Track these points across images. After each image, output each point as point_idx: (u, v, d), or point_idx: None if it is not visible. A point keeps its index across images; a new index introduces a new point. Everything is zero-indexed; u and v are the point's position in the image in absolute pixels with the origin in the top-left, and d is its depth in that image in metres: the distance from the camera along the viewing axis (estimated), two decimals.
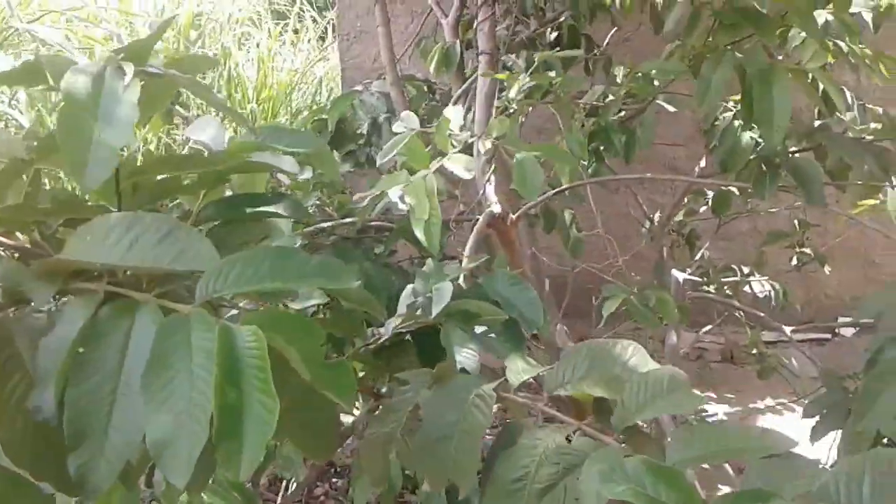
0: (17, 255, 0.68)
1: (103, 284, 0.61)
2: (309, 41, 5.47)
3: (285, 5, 5.84)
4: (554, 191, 1.60)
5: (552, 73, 1.34)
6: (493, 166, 1.55)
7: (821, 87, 1.54)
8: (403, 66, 2.40)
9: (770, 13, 1.32)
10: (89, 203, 0.71)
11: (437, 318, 0.88)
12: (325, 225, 1.56)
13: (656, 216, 2.13)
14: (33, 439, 0.59)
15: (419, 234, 1.00)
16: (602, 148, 1.59)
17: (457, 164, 1.03)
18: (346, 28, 3.05)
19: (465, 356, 0.87)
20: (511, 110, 1.34)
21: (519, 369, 0.82)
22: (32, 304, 0.62)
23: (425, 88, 2.31)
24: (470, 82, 1.65)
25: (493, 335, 0.94)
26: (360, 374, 0.95)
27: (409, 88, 2.24)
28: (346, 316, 0.90)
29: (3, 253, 0.66)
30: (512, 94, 1.30)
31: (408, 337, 0.93)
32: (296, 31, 5.57)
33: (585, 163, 1.57)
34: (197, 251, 0.58)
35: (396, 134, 2.21)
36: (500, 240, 1.74)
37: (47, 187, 0.82)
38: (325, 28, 5.67)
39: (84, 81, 0.58)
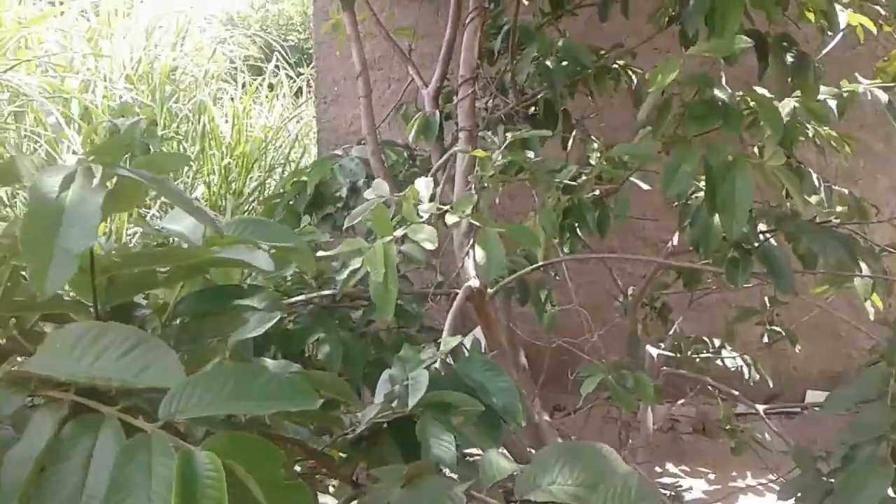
0: None
1: (70, 394, 0.60)
2: (284, 97, 5.52)
3: (260, 61, 5.89)
4: (531, 267, 1.61)
5: (529, 152, 1.36)
6: (471, 240, 1.56)
7: None
8: (382, 131, 2.42)
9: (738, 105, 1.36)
10: (66, 298, 0.69)
11: (414, 409, 0.87)
12: (301, 298, 1.55)
13: (630, 290, 2.14)
14: None
15: (375, 299, 1.00)
16: (576, 224, 1.60)
17: (420, 235, 1.03)
18: (324, 91, 3.08)
19: (442, 450, 0.85)
20: (485, 185, 1.35)
21: (493, 468, 0.81)
22: None
23: (405, 154, 2.33)
24: (449, 154, 1.67)
25: (471, 425, 0.93)
26: (339, 464, 0.93)
27: (389, 153, 2.26)
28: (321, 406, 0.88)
29: None
30: (485, 171, 1.32)
31: (385, 425, 0.91)
32: (270, 87, 5.61)
33: (558, 239, 1.58)
34: (162, 366, 0.58)
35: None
36: (477, 313, 1.74)
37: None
38: (300, 85, 5.73)
39: (52, 185, 0.58)
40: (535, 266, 1.53)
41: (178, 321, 0.78)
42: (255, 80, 5.35)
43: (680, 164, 1.28)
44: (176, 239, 0.80)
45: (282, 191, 2.38)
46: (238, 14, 10.30)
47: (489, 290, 1.69)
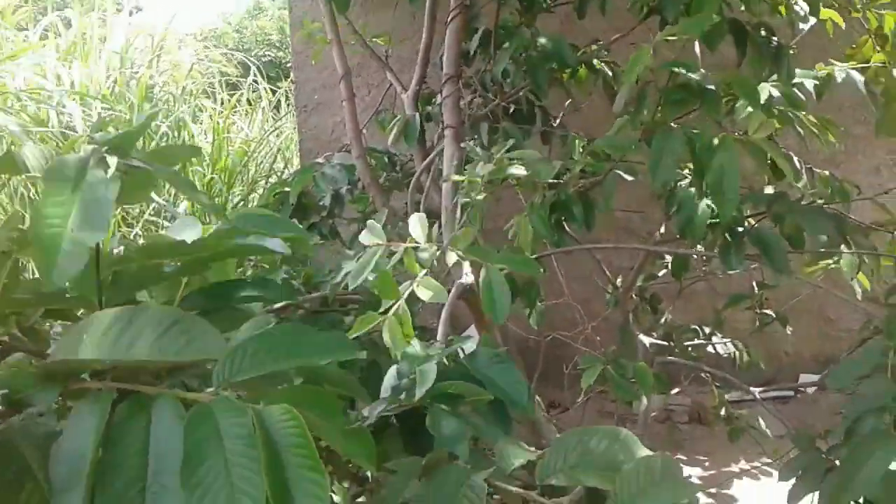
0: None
1: (108, 382, 0.59)
2: (263, 111, 5.51)
3: (238, 77, 5.88)
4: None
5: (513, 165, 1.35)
6: (460, 219, 1.56)
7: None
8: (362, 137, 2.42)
9: (715, 87, 1.37)
10: (69, 294, 0.68)
11: (422, 400, 0.87)
12: (291, 302, 1.54)
13: (619, 280, 2.15)
14: None
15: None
16: (563, 218, 1.61)
17: (427, 294, 1.03)
18: (304, 100, 3.08)
19: (455, 440, 0.85)
20: (478, 197, 1.35)
21: (510, 455, 0.81)
22: (33, 409, 0.60)
23: (386, 160, 2.33)
24: (434, 155, 1.67)
25: (479, 417, 0.93)
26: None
27: (370, 160, 2.26)
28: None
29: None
30: (475, 194, 1.32)
31: (393, 419, 0.91)
32: (249, 102, 5.60)
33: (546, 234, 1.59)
34: (205, 339, 0.58)
35: (356, 219, 2.20)
36: (470, 310, 1.74)
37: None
38: (279, 98, 5.72)
39: (65, 175, 0.57)
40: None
41: None
42: (233, 95, 5.33)
43: (663, 150, 1.29)
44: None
45: (266, 203, 2.38)
46: (214, 31, 10.29)
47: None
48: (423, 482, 0.79)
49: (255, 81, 5.58)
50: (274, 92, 5.77)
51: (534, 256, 1.58)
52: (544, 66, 1.61)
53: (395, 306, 1.00)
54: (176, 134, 4.39)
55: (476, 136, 1.78)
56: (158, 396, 0.57)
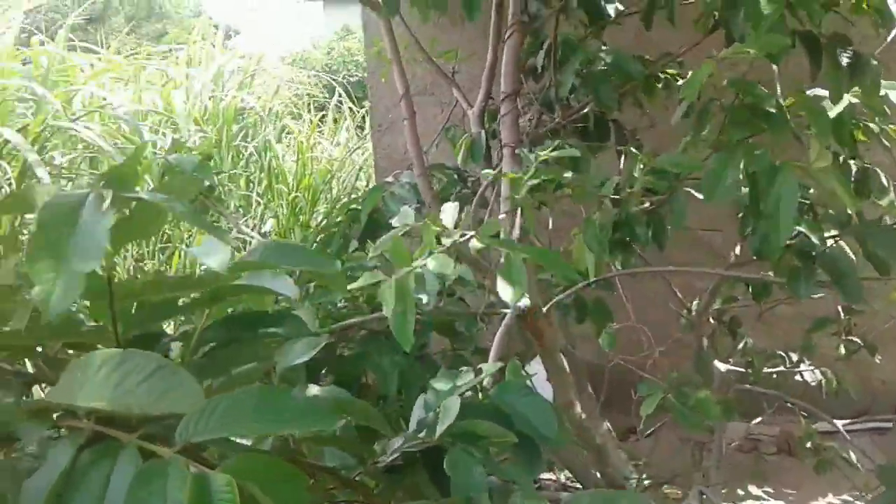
0: (19, 380, 0.66)
1: (91, 423, 0.59)
2: (347, 130, 5.62)
3: (324, 98, 6.03)
4: (584, 283, 1.56)
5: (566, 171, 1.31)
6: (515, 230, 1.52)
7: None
8: (433, 155, 2.42)
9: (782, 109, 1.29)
10: (86, 327, 0.70)
11: (442, 438, 0.84)
12: (353, 321, 1.54)
13: (694, 303, 2.05)
14: None
15: (393, 331, 0.97)
16: (628, 238, 1.55)
17: (434, 265, 1.00)
18: (378, 120, 3.11)
19: (472, 484, 0.82)
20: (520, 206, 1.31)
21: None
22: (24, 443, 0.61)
23: (455, 177, 2.32)
24: (496, 173, 1.64)
25: (506, 452, 0.89)
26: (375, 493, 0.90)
27: (440, 177, 2.25)
28: (355, 433, 0.87)
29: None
30: (517, 193, 1.28)
31: (419, 454, 0.89)
32: (335, 121, 5.73)
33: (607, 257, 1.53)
34: (180, 391, 0.57)
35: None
36: (530, 333, 1.70)
37: None
38: (363, 118, 5.83)
39: (62, 208, 0.58)
40: (585, 283, 1.48)
41: (206, 348, 0.77)
42: (319, 116, 5.47)
43: (722, 171, 1.22)
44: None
45: (338, 220, 2.41)
46: (303, 54, 10.62)
47: (542, 310, 1.65)
48: None
49: (340, 102, 5.71)
50: (358, 111, 5.89)
51: (593, 279, 1.53)
52: (607, 81, 1.56)
53: (401, 272, 0.98)
54: (263, 154, 4.54)
55: (528, 155, 1.74)
56: (126, 445, 0.57)
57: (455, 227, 1.07)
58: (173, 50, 4.94)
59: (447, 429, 0.82)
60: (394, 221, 1.13)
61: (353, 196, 4.76)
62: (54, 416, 0.63)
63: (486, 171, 1.58)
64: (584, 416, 1.67)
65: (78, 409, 0.60)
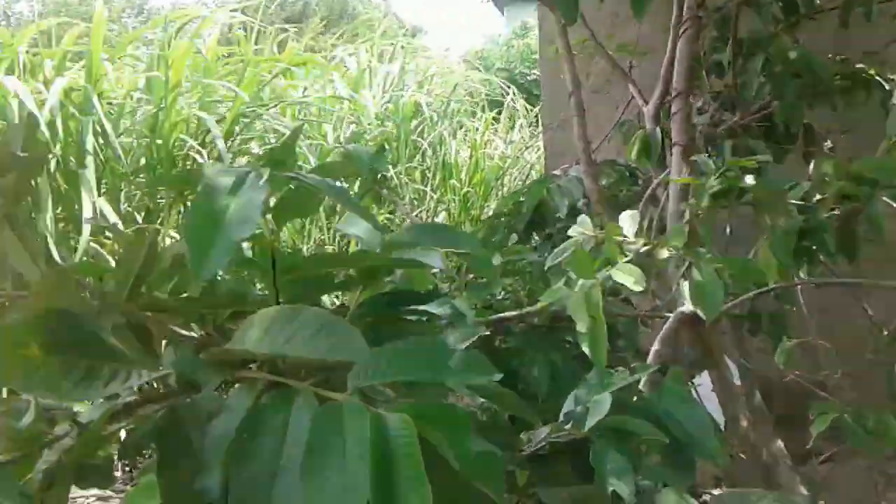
0: (192, 344, 0.73)
1: (264, 373, 0.64)
2: (521, 128, 5.65)
3: (500, 95, 6.09)
4: (758, 290, 1.47)
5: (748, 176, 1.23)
6: (687, 261, 1.46)
7: None
8: (606, 151, 2.37)
9: None
10: (253, 297, 0.75)
11: (590, 432, 0.83)
12: (511, 314, 1.55)
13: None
14: None
15: (584, 347, 0.95)
16: (815, 248, 1.44)
17: (625, 277, 0.97)
18: (550, 117, 3.10)
19: (619, 480, 0.80)
20: (700, 214, 1.25)
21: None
22: (203, 390, 0.66)
23: (627, 174, 2.26)
24: (667, 173, 1.59)
25: (658, 458, 0.86)
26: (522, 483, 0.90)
27: (611, 173, 2.20)
28: (502, 420, 0.88)
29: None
30: (700, 201, 1.22)
31: (565, 447, 0.88)
32: (510, 119, 5.78)
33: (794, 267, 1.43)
34: (349, 344, 0.60)
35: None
36: (696, 341, 1.62)
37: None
38: (537, 116, 5.83)
39: (223, 183, 0.63)
40: (762, 290, 1.40)
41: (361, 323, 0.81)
42: (494, 112, 5.54)
43: None
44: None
45: (502, 210, 2.42)
46: (482, 52, 10.78)
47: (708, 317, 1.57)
48: None
49: (514, 99, 5.75)
50: (532, 110, 5.90)
51: (770, 287, 1.43)
52: (793, 82, 1.46)
53: (586, 284, 0.95)
54: (438, 150, 4.67)
55: (711, 153, 1.67)
56: (301, 391, 0.60)
57: (636, 236, 1.05)
58: (360, 48, 5.19)
59: (596, 423, 0.81)
60: (571, 231, 1.11)
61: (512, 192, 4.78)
62: (230, 368, 0.68)
63: (665, 176, 1.53)
64: (753, 431, 1.57)
65: (254, 356, 0.65)
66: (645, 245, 1.01)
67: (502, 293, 1.73)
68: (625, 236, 1.05)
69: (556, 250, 1.09)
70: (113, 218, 2.91)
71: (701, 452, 0.83)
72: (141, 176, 3.35)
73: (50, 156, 2.98)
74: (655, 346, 1.30)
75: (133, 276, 0.71)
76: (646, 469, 0.82)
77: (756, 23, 1.72)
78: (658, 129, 1.83)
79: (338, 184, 0.70)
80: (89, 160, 3.02)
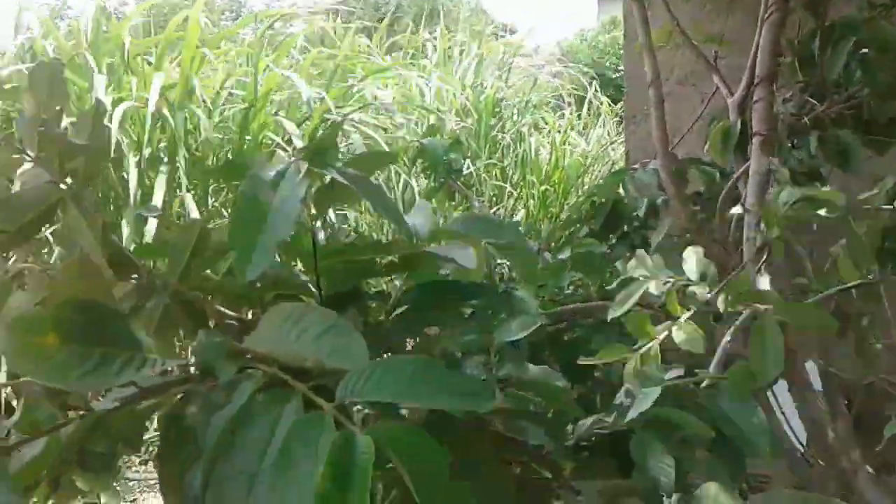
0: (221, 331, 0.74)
1: (274, 368, 0.64)
2: (604, 124, 5.55)
3: (584, 90, 6.01)
4: (839, 287, 1.39)
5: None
6: (763, 255, 1.40)
7: None
8: (691, 149, 2.30)
9: None
10: (295, 281, 0.77)
11: (633, 424, 0.80)
12: (572, 307, 1.52)
13: None
14: None
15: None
16: None
17: (683, 339, 0.93)
18: (633, 110, 3.02)
19: (660, 473, 0.78)
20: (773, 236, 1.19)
21: (712, 501, 0.71)
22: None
23: (710, 170, 2.19)
24: (746, 166, 1.52)
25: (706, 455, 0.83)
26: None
27: (694, 171, 2.13)
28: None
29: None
30: (771, 230, 1.16)
31: (609, 440, 0.86)
32: (595, 115, 5.69)
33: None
34: (348, 350, 0.60)
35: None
36: None
37: None
38: (621, 112, 5.72)
39: (264, 179, 0.64)
40: (845, 286, 1.32)
41: (402, 310, 0.82)
42: (574, 108, 5.47)
43: None
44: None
45: (579, 209, 2.38)
46: (569, 46, 10.66)
47: None
48: None
49: (597, 94, 5.66)
50: (617, 106, 5.80)
51: (859, 283, 1.35)
52: (883, 65, 1.37)
53: (644, 347, 0.92)
54: (517, 146, 4.65)
55: (795, 145, 1.58)
56: (294, 395, 0.60)
57: (702, 279, 1.00)
58: (445, 44, 5.21)
59: (640, 415, 0.78)
60: (630, 267, 1.08)
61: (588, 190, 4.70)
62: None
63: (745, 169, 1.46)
64: (832, 436, 1.49)
65: (261, 355, 0.66)
66: (709, 292, 0.97)
67: (571, 287, 1.71)
68: (689, 280, 1.01)
69: (618, 297, 1.05)
70: (194, 213, 3.03)
71: (752, 453, 0.80)
72: None
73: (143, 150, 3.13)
74: (721, 346, 1.25)
75: (185, 259, 0.73)
76: (692, 463, 0.79)
77: (847, 7, 1.63)
78: (740, 122, 1.76)
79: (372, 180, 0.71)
80: (181, 155, 3.16)
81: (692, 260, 1.07)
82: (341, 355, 0.60)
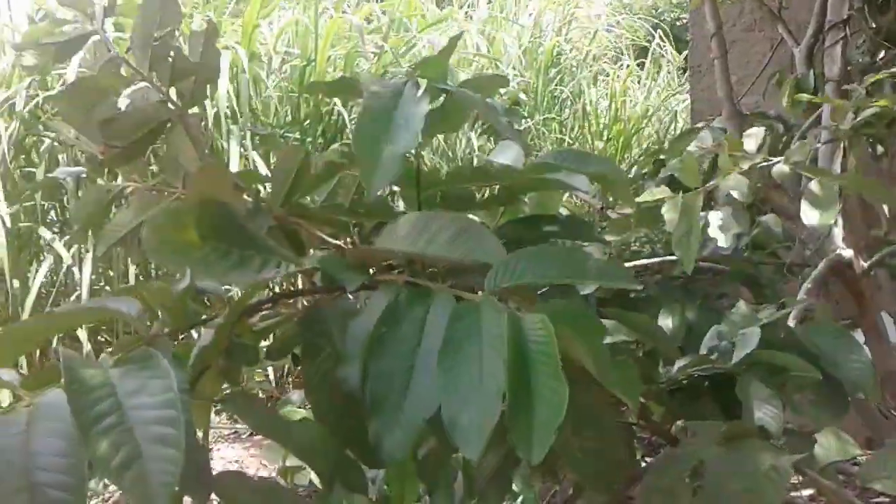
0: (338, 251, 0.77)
1: (404, 276, 0.67)
2: (668, 74, 5.41)
3: (645, 42, 5.85)
4: None
5: None
6: (840, 204, 1.38)
7: None
8: (760, 101, 2.25)
9: None
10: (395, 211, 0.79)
11: (737, 366, 0.81)
12: (644, 262, 1.52)
13: None
14: (339, 407, 0.67)
15: (676, 251, 0.93)
16: None
17: (730, 184, 0.93)
18: (698, 59, 2.95)
19: (766, 414, 0.79)
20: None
21: (831, 446, 0.73)
22: (346, 290, 0.69)
23: (780, 126, 2.14)
24: (817, 114, 1.49)
25: (807, 396, 0.85)
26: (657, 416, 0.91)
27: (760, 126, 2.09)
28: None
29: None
30: (840, 124, 1.14)
31: (706, 383, 0.87)
32: (656, 66, 5.55)
33: None
34: (486, 247, 0.63)
35: None
36: (848, 290, 1.53)
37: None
38: (685, 62, 5.56)
39: (384, 95, 0.66)
40: None
41: None
42: (637, 60, 5.34)
43: None
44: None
45: (644, 172, 2.35)
46: None
47: (863, 264, 1.47)
48: (723, 449, 0.75)
49: (660, 45, 5.50)
50: (680, 56, 5.63)
51: None
52: None
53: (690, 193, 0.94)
54: (577, 99, 4.58)
55: (868, 92, 1.54)
56: (438, 291, 0.63)
57: (758, 152, 1.01)
58: None
59: (743, 357, 0.79)
60: (690, 147, 1.09)
61: (665, 144, 4.60)
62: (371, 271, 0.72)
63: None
64: None
65: (395, 256, 0.69)
66: (765, 160, 0.97)
67: (637, 244, 1.70)
68: (744, 151, 1.01)
69: (669, 164, 1.07)
70: (264, 170, 3.09)
71: (856, 390, 0.80)
72: (289, 131, 3.52)
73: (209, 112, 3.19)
74: (801, 293, 1.25)
75: (287, 184, 0.74)
76: (794, 403, 0.80)
77: None
78: (811, 72, 1.72)
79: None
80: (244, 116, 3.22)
81: (752, 137, 1.10)
82: (482, 252, 0.62)
